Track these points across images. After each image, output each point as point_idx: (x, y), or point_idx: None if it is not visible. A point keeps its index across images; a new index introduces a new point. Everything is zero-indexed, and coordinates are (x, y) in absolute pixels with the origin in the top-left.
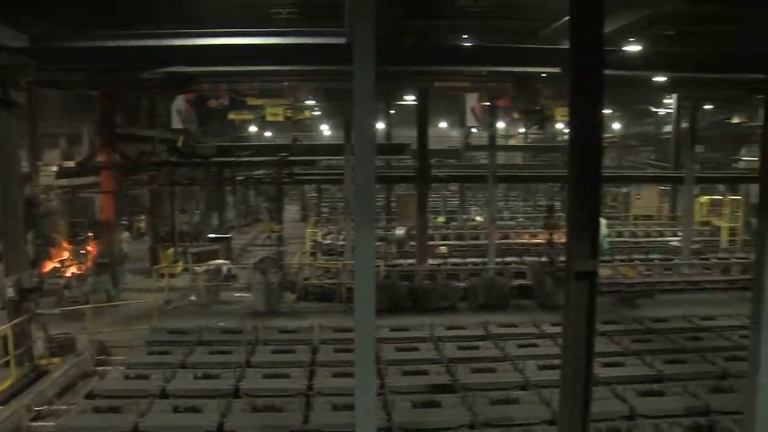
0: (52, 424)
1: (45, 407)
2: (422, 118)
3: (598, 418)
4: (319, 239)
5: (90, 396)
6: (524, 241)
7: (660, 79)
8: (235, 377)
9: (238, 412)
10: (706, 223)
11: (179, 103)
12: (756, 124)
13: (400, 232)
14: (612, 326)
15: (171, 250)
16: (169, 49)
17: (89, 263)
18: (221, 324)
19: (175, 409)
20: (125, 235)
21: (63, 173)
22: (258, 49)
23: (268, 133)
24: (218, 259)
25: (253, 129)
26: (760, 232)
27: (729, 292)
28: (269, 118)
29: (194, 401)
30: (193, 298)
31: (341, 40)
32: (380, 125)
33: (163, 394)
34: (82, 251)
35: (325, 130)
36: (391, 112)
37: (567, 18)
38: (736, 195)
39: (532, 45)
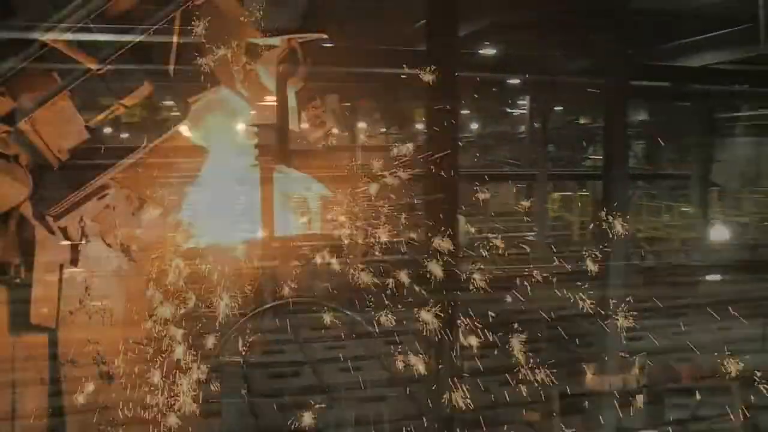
0: None
1: None
2: (283, 119)
3: (464, 409)
4: (181, 243)
5: None
6: (387, 239)
7: (514, 81)
8: (98, 389)
9: (105, 424)
10: (559, 218)
11: (25, 102)
12: (599, 125)
13: (264, 234)
14: (474, 320)
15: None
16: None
17: None
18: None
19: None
20: None
21: None
22: (109, 47)
23: (125, 135)
24: (74, 267)
25: (108, 130)
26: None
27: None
28: (125, 120)
29: (53, 420)
30: (45, 310)
31: (199, 40)
32: (241, 126)
33: (14, 415)
34: None
35: (185, 131)
36: (252, 112)
37: (424, 21)
38: (585, 191)
39: (392, 47)
